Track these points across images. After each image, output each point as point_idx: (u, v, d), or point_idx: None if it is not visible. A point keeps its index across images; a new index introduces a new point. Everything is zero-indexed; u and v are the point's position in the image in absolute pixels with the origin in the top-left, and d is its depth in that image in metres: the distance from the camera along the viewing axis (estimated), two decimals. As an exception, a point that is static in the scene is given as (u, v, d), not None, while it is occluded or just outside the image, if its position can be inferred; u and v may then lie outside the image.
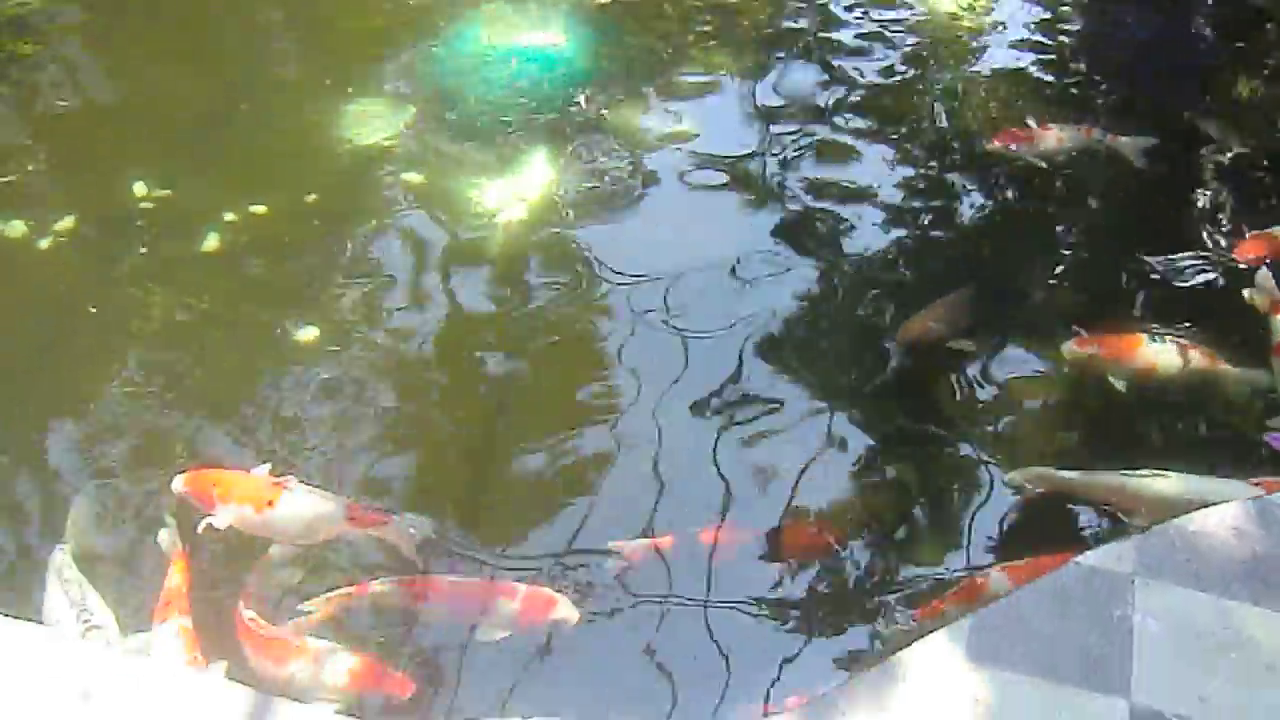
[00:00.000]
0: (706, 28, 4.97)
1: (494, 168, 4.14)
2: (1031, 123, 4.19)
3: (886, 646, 2.41)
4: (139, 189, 3.95)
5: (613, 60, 4.73)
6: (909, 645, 2.11)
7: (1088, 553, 2.28)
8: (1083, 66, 4.91)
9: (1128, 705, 2.01)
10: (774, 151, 4.25)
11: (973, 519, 2.90)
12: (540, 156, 4.19)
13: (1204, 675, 2.06)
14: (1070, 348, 3.22)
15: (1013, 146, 4.10)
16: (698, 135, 4.29)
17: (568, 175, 4.13)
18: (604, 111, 4.42)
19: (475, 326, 3.64)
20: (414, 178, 4.11)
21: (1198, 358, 3.16)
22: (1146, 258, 3.61)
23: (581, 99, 4.47)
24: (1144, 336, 3.20)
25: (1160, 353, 3.16)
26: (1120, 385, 3.11)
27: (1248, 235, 3.62)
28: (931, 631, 2.15)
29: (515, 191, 4.04)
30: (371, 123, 4.28)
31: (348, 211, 3.96)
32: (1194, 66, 4.82)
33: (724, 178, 4.12)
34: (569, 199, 4.04)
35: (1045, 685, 2.04)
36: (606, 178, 4.15)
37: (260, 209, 3.89)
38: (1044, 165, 4.08)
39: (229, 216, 3.85)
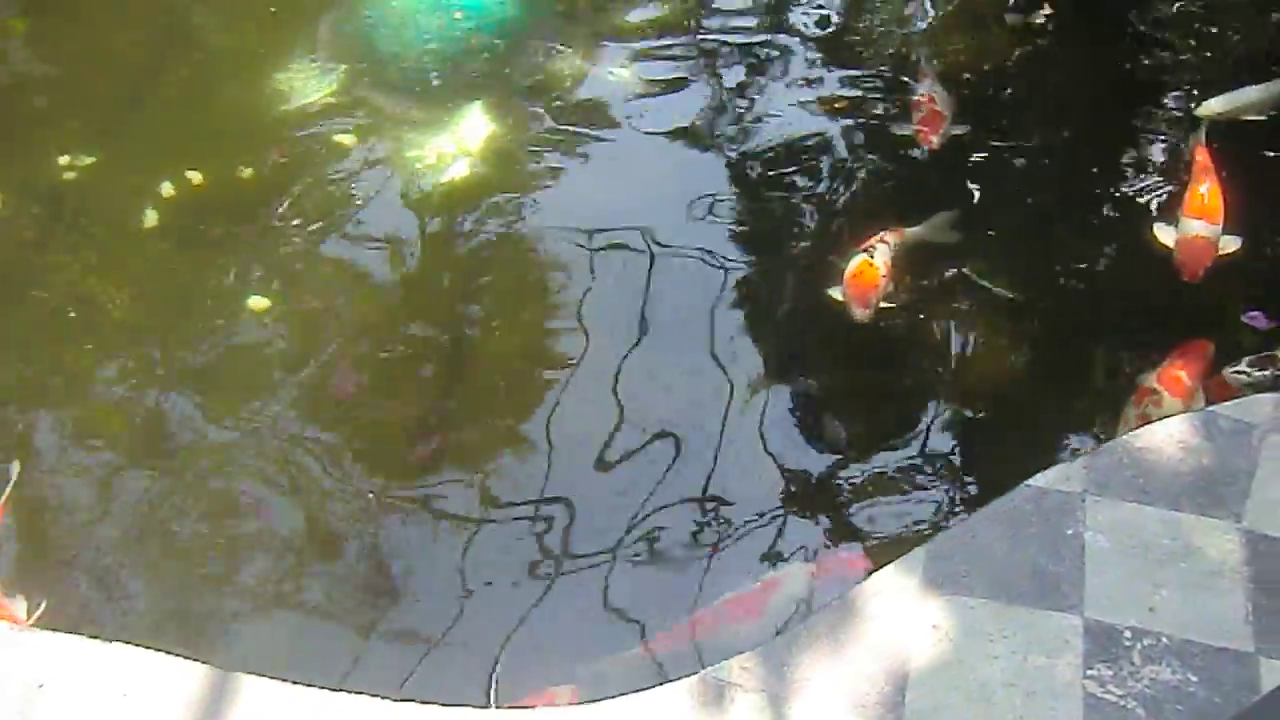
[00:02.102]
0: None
1: (433, 124, 4.05)
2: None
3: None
4: (66, 164, 3.82)
5: (551, 7, 4.63)
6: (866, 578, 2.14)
7: (1038, 474, 2.31)
8: None
9: (1081, 621, 2.06)
10: (724, 95, 4.19)
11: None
12: (480, 109, 4.11)
13: (1153, 587, 2.11)
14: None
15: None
16: (645, 80, 4.22)
17: (510, 127, 4.06)
18: (545, 59, 4.34)
19: (426, 286, 3.60)
20: (350, 139, 4.00)
21: None
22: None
23: (520, 48, 4.38)
24: None
25: None
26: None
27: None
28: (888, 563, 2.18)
29: (457, 146, 3.97)
30: (304, 84, 4.17)
31: (285, 177, 3.86)
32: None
33: (672, 123, 4.02)
34: (514, 151, 3.98)
35: (1001, 607, 2.08)
36: (551, 127, 4.09)
37: (196, 177, 3.79)
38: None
39: (165, 189, 3.75)
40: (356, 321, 3.42)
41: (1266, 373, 2.69)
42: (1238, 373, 2.76)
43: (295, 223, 3.73)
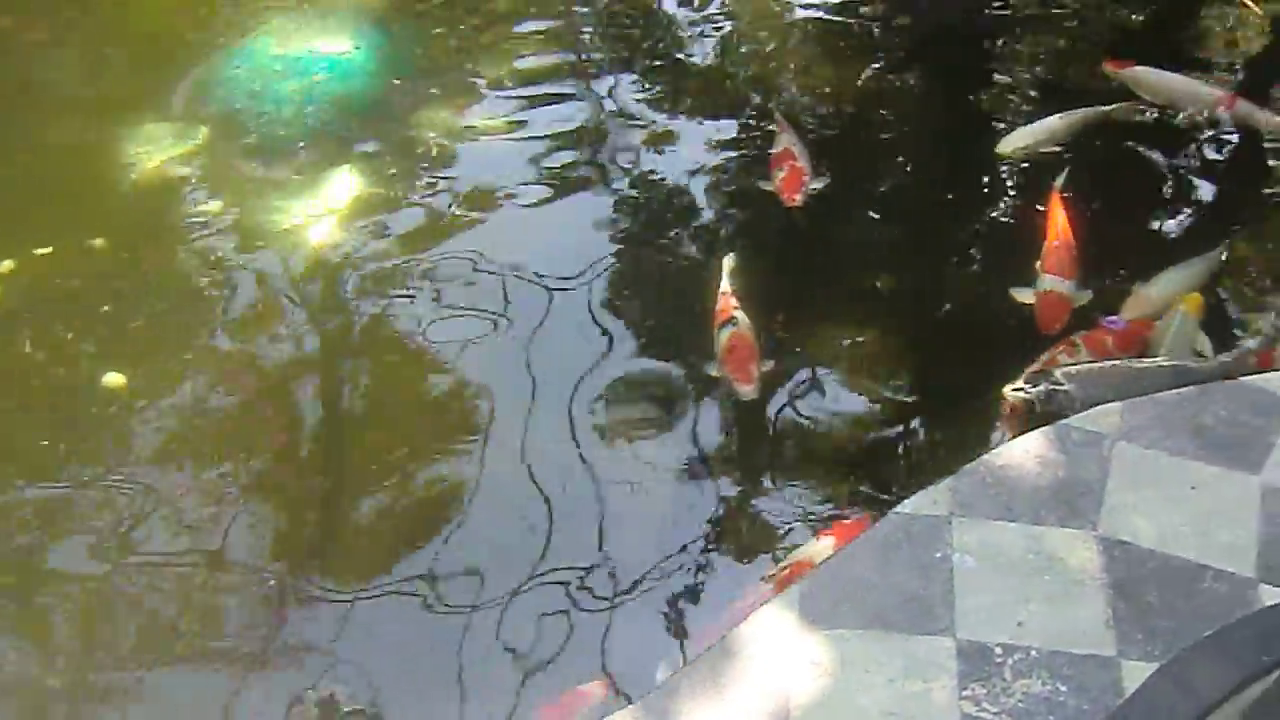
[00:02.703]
0: (508, 19, 4.90)
1: (298, 185, 4.01)
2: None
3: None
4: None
5: (413, 61, 4.63)
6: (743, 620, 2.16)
7: (905, 501, 2.36)
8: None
9: (954, 643, 2.10)
10: (594, 145, 4.22)
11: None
12: (346, 168, 4.07)
13: (1020, 602, 2.17)
14: None
15: None
16: (514, 126, 4.24)
17: (380, 184, 4.03)
18: (412, 114, 4.33)
19: (298, 353, 3.51)
20: (213, 204, 3.94)
21: None
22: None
23: (387, 104, 4.36)
24: None
25: None
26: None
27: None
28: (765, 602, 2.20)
29: (324, 206, 3.92)
30: (159, 148, 4.08)
31: (142, 246, 3.77)
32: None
33: (543, 174, 4.04)
34: (384, 208, 3.94)
35: (876, 636, 2.11)
36: (420, 181, 4.07)
37: (44, 251, 3.66)
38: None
39: (7, 265, 3.61)
40: (222, 394, 3.32)
41: (1043, 388, 2.74)
42: (1017, 389, 2.80)
43: (153, 293, 3.63)
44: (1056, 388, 2.72)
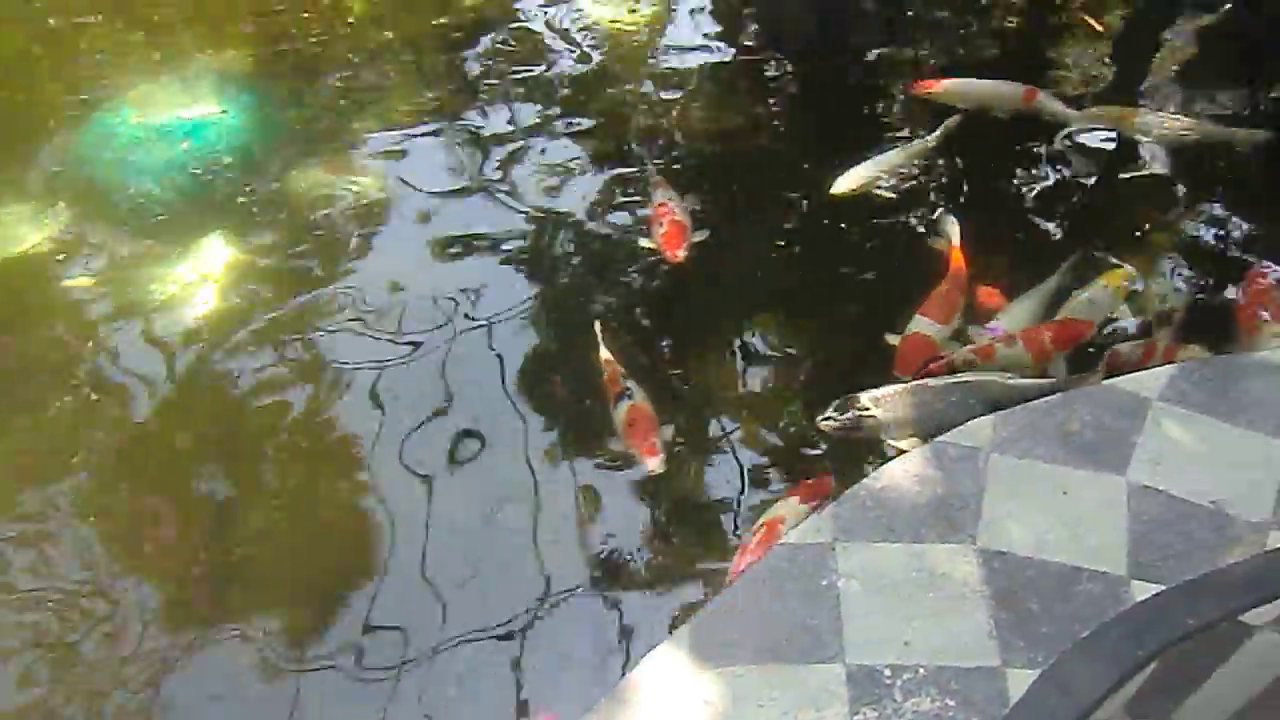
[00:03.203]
0: (379, 74, 4.89)
1: (170, 256, 3.90)
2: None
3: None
4: None
5: (283, 121, 4.57)
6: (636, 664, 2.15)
7: (790, 531, 2.39)
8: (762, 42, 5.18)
9: (843, 669, 2.13)
10: (472, 188, 4.21)
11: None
12: (219, 232, 3.99)
13: (905, 622, 2.21)
14: None
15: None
16: (388, 180, 4.21)
17: (255, 249, 3.95)
18: (284, 175, 4.27)
19: (186, 427, 3.42)
20: (83, 280, 3.82)
21: None
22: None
23: (257, 167, 4.30)
24: None
25: None
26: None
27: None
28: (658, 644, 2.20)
29: (199, 276, 3.84)
30: (21, 227, 3.95)
31: (10, 329, 3.63)
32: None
33: (420, 227, 4.01)
34: (259, 270, 3.87)
35: (768, 669, 2.13)
36: (297, 240, 4.01)
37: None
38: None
39: None
40: (105, 477, 3.21)
41: (851, 414, 2.83)
42: (826, 418, 2.88)
43: (27, 378, 3.50)
44: (864, 413, 2.80)
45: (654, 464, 2.94)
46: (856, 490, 2.48)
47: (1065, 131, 4.25)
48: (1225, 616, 2.26)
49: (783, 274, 3.76)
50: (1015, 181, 4.16)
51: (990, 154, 4.22)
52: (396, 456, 3.18)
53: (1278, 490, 2.45)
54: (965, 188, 4.07)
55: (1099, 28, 5.00)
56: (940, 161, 4.14)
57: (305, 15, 5.25)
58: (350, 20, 5.36)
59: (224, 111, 4.47)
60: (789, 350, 3.51)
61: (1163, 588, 2.28)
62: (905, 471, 2.52)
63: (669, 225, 3.66)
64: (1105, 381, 2.76)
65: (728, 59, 4.96)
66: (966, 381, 2.92)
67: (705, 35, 5.21)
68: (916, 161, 4.06)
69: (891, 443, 2.85)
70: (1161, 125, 4.22)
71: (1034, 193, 4.09)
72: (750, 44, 5.17)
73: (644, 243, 3.74)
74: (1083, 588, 2.28)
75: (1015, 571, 2.31)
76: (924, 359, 3.13)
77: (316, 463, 3.29)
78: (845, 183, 3.87)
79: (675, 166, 4.19)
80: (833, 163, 3.98)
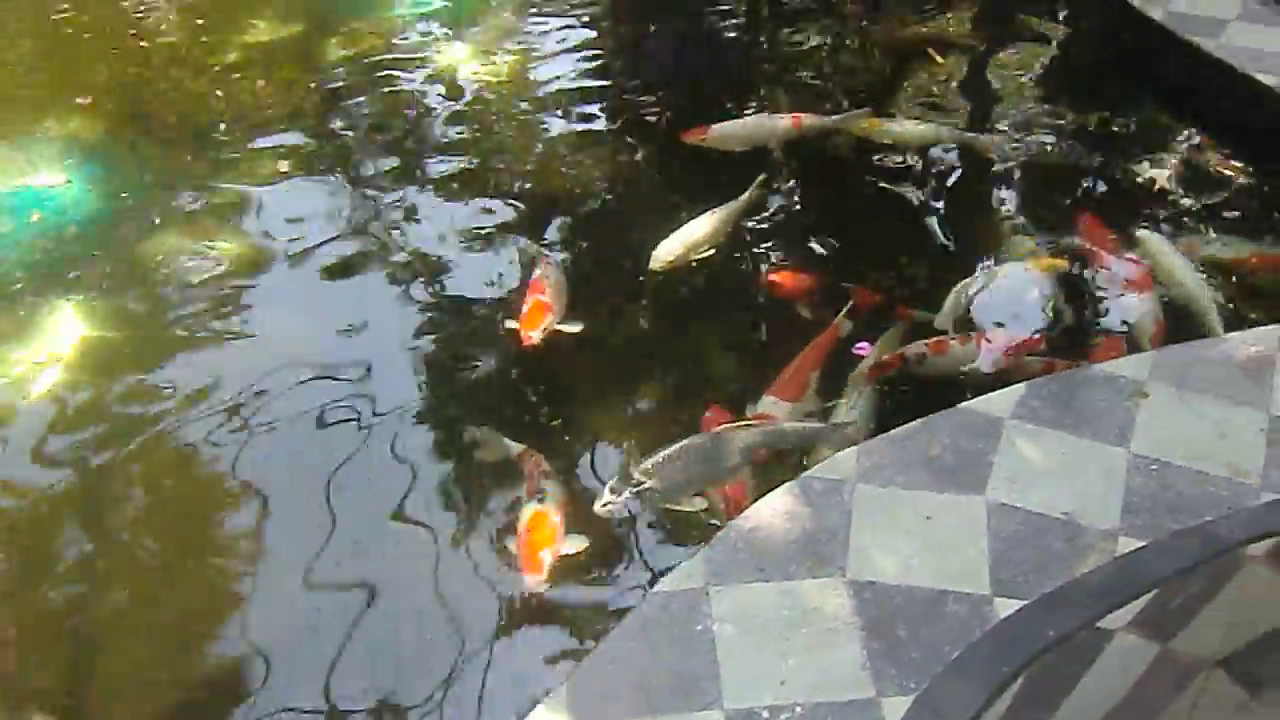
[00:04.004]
0: (234, 136, 4.80)
1: (17, 334, 3.74)
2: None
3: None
4: None
5: (135, 187, 4.44)
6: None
7: (662, 579, 2.40)
8: (634, 83, 5.26)
9: (722, 714, 2.14)
10: (339, 245, 4.14)
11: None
12: (70, 306, 3.84)
13: (780, 660, 2.23)
14: None
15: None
16: (249, 248, 4.12)
17: (107, 319, 3.82)
18: (138, 243, 4.14)
19: (39, 515, 3.25)
20: (-80, 365, 3.63)
21: None
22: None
23: (109, 236, 4.15)
24: None
25: None
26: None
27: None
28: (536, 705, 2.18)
29: (49, 354, 3.68)
30: None
31: None
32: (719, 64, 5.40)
33: (285, 293, 3.92)
34: (114, 344, 3.73)
35: (647, 722, 2.13)
36: (154, 310, 3.88)
37: None
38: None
39: None
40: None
41: (627, 493, 2.80)
42: (605, 504, 2.81)
43: None
44: (640, 488, 2.80)
45: (532, 582, 2.78)
46: (727, 532, 2.51)
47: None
48: (1084, 625, 2.34)
49: (654, 343, 3.69)
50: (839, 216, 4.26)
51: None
52: (264, 544, 3.07)
53: (1122, 497, 2.56)
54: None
55: (940, 60, 5.23)
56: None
57: (157, 75, 5.14)
58: (207, 78, 5.27)
59: (70, 181, 4.32)
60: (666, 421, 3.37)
61: (1024, 603, 2.35)
62: (773, 509, 2.56)
63: (532, 306, 3.51)
64: (962, 405, 2.85)
65: (589, 111, 5.01)
66: (738, 432, 2.98)
67: (567, 83, 5.27)
68: (735, 221, 3.99)
69: (677, 507, 2.88)
70: (904, 130, 4.48)
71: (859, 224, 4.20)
72: (610, 92, 5.24)
73: (509, 324, 3.55)
74: (949, 610, 2.34)
75: (884, 600, 2.36)
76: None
77: (177, 557, 3.14)
78: (661, 256, 3.73)
79: (541, 223, 4.19)
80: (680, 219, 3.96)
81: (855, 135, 4.50)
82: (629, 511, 2.82)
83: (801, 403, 3.26)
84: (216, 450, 3.31)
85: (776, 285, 3.76)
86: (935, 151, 4.56)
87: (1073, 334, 3.59)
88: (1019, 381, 2.92)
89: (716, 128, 4.46)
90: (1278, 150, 4.39)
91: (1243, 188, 4.42)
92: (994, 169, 4.52)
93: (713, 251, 3.87)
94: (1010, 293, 3.64)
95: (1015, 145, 4.63)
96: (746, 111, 4.80)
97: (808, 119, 4.50)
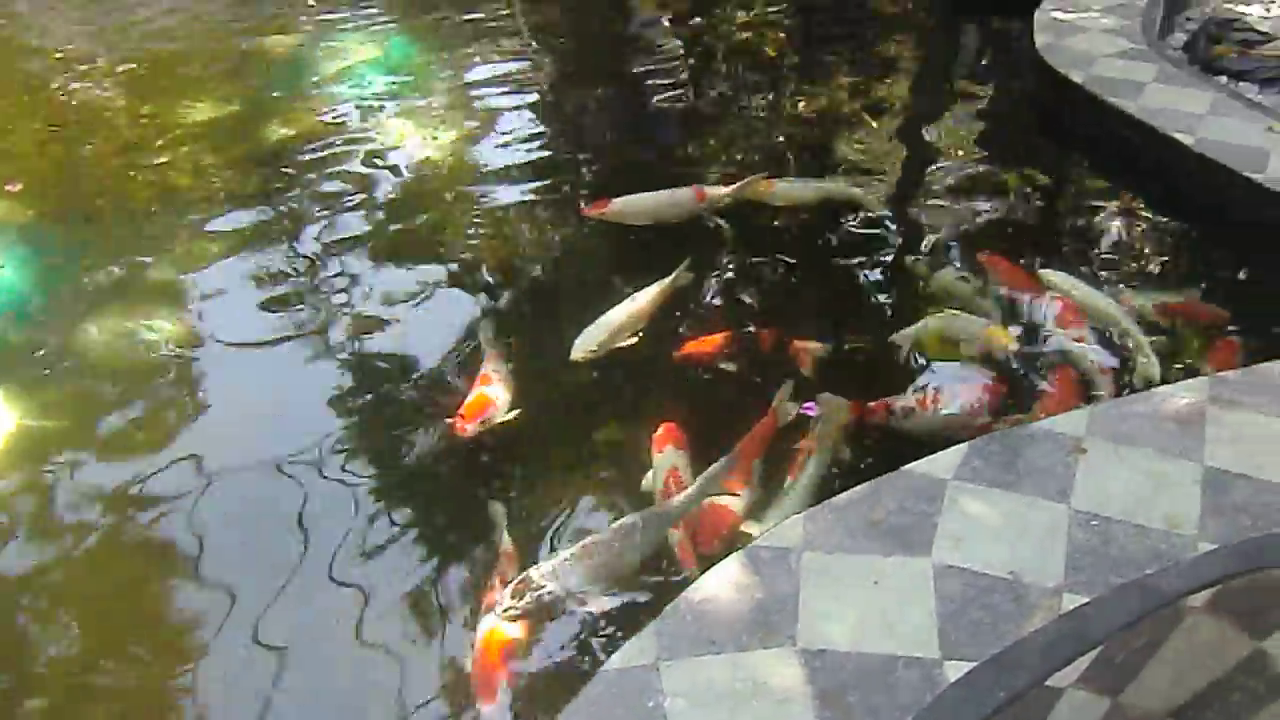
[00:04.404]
0: (171, 217, 4.77)
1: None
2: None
3: None
4: None
5: (71, 271, 4.39)
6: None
7: (613, 655, 2.37)
8: (574, 156, 5.34)
9: (676, 793, 2.11)
10: (281, 325, 4.10)
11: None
12: (5, 401, 3.76)
13: (733, 735, 2.21)
14: None
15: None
16: (191, 330, 4.07)
17: (45, 409, 3.74)
18: (74, 326, 4.07)
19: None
20: None
21: None
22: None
23: (44, 324, 4.09)
24: None
25: None
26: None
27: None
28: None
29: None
30: None
31: None
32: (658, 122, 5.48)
33: (222, 377, 3.87)
34: (54, 435, 3.65)
35: (600, 806, 2.09)
36: (96, 402, 3.81)
37: None
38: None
39: None
40: None
41: (529, 599, 2.78)
42: (506, 610, 2.79)
43: None
44: (541, 591, 2.79)
45: (488, 713, 2.64)
46: (677, 605, 2.49)
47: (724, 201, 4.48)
48: (1033, 684, 2.35)
49: (586, 427, 3.61)
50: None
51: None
52: (199, 638, 2.99)
53: (1065, 553, 2.58)
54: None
55: (874, 124, 5.38)
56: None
57: (92, 156, 5.11)
58: (144, 159, 5.26)
59: (2, 266, 4.26)
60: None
61: (973, 665, 2.35)
62: (722, 581, 2.55)
63: (475, 398, 3.46)
64: (905, 467, 2.88)
65: (529, 185, 5.07)
66: (632, 524, 2.96)
67: (508, 158, 5.33)
68: (658, 307, 3.92)
69: (576, 605, 2.85)
70: (791, 190, 4.58)
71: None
72: (551, 165, 5.31)
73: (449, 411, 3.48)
74: (900, 675, 2.34)
75: (836, 668, 2.35)
76: (721, 532, 3.09)
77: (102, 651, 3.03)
78: (585, 344, 3.69)
79: (483, 301, 4.18)
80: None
81: (756, 201, 4.55)
82: (530, 615, 2.77)
83: (750, 489, 3.22)
84: (151, 535, 3.23)
85: (692, 355, 3.74)
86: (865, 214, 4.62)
87: (1025, 383, 3.65)
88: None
89: (617, 201, 4.47)
90: (1195, 205, 4.56)
91: (1162, 241, 4.56)
92: (924, 225, 4.60)
93: (636, 340, 3.79)
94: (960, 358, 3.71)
95: (945, 203, 4.76)
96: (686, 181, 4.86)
97: (710, 191, 4.52)
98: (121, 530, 3.29)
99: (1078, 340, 3.73)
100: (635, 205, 4.46)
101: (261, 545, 3.18)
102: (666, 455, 3.32)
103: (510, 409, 3.51)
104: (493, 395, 3.51)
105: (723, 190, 4.55)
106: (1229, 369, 3.28)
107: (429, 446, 3.49)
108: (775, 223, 4.58)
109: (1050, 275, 4.07)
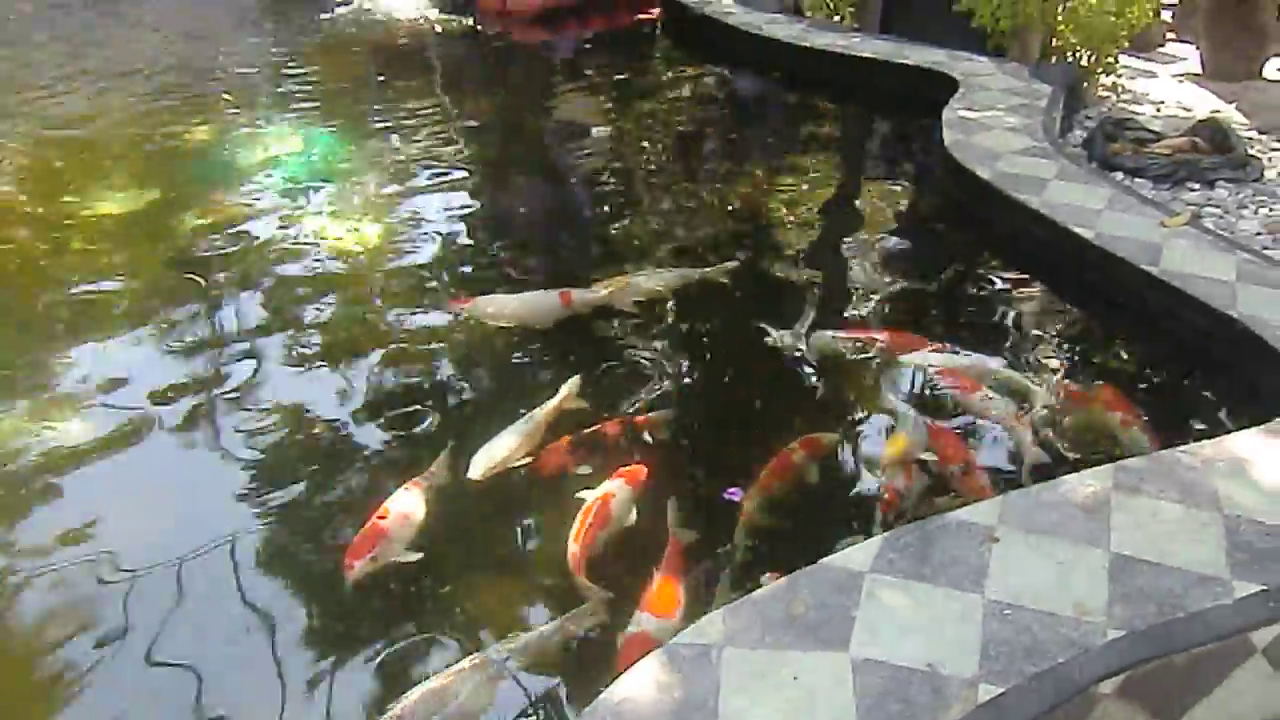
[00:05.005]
0: (72, 311, 4.67)
1: None
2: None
3: None
4: None
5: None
6: None
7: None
8: (500, 251, 5.36)
9: None
10: (198, 430, 3.99)
11: None
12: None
13: (652, 844, 2.16)
14: None
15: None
16: (100, 423, 3.95)
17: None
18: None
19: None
20: None
21: None
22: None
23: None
24: None
25: None
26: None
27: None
28: None
29: None
30: None
31: None
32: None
33: (144, 475, 3.74)
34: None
35: None
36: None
37: None
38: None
39: None
40: None
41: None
42: None
43: None
44: None
45: None
46: (595, 707, 2.45)
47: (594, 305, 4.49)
48: (952, 778, 2.36)
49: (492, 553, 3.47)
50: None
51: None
52: None
53: (980, 644, 2.61)
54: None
55: (788, 210, 5.53)
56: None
57: None
58: (54, 249, 5.16)
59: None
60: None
61: (893, 761, 2.35)
62: (642, 680, 2.52)
63: (364, 533, 3.25)
64: (823, 560, 2.90)
65: (453, 277, 5.08)
66: (476, 665, 2.89)
67: (432, 252, 5.36)
68: (550, 423, 3.81)
69: None
70: (644, 284, 4.65)
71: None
72: (476, 259, 5.34)
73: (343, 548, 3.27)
74: (821, 773, 2.32)
75: (756, 768, 2.33)
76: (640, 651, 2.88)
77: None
78: (480, 464, 3.57)
79: (403, 410, 4.02)
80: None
81: (631, 300, 4.56)
82: None
83: (675, 618, 3.07)
84: (54, 653, 3.08)
85: (544, 465, 3.64)
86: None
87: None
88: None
89: (479, 300, 4.47)
90: (1097, 294, 4.75)
91: (1063, 327, 4.74)
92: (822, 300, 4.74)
93: (531, 460, 3.66)
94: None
95: (855, 283, 4.91)
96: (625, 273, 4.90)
97: (576, 294, 4.51)
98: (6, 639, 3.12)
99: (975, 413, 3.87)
100: (496, 304, 4.46)
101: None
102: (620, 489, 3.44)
103: (417, 536, 3.30)
104: (389, 528, 3.27)
105: (590, 294, 4.54)
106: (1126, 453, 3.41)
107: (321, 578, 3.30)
108: (646, 315, 4.61)
109: (941, 356, 4.20)
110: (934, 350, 4.29)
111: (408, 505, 3.40)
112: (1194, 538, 2.94)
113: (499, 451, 3.63)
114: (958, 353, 4.31)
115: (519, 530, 3.55)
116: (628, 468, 3.63)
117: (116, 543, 3.42)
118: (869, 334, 4.42)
